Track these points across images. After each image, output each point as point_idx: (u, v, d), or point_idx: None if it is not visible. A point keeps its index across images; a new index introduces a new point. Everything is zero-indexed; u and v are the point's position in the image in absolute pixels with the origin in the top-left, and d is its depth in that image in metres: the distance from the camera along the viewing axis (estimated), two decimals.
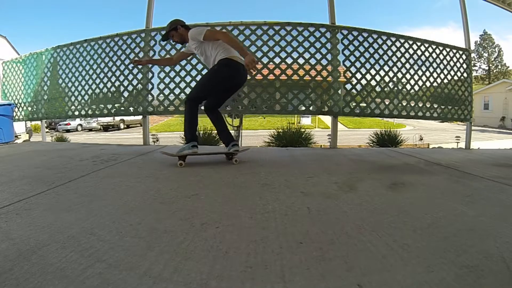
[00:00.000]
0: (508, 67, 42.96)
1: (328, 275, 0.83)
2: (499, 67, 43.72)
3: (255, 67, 2.28)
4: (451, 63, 4.21)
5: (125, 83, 3.99)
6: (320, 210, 1.35)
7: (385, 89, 3.97)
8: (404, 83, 4.05)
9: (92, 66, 4.15)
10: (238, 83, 2.63)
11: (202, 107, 2.65)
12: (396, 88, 4.01)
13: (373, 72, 3.90)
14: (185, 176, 2.03)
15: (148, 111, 3.96)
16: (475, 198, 1.57)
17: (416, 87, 4.08)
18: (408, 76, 4.01)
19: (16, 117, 4.96)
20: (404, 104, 4.08)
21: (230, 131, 2.74)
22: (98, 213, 1.29)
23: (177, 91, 3.85)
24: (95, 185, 1.76)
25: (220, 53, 2.43)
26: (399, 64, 3.97)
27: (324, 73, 3.83)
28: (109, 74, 4.05)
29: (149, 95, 3.95)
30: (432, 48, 4.11)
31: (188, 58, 3.79)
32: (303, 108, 3.88)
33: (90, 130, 22.64)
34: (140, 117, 4.18)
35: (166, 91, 3.86)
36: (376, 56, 3.89)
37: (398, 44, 3.97)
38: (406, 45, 4.00)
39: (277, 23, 3.78)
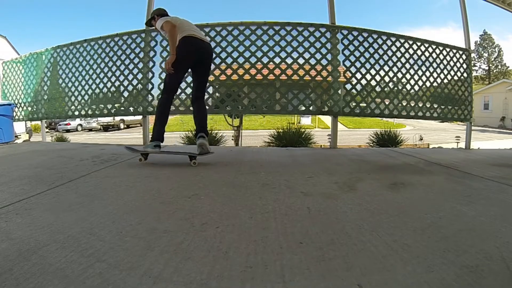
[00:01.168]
0: (508, 67, 42.98)
1: (328, 275, 0.83)
2: (499, 67, 43.72)
3: (168, 69, 2.44)
4: (451, 63, 4.21)
5: (125, 83, 3.98)
6: (320, 210, 1.35)
7: (385, 89, 3.97)
8: (404, 83, 4.04)
9: (92, 66, 4.15)
10: (199, 57, 2.58)
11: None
12: (396, 88, 4.01)
13: (373, 72, 3.89)
14: (185, 176, 2.03)
15: (148, 111, 3.95)
16: (475, 198, 1.57)
17: (416, 87, 4.08)
18: (408, 76, 4.01)
19: (16, 117, 4.96)
20: (404, 104, 4.08)
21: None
22: (98, 213, 1.29)
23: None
24: (95, 185, 1.76)
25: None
26: (399, 64, 3.97)
27: (324, 73, 3.83)
28: (109, 74, 4.04)
29: (149, 95, 3.94)
30: (432, 48, 4.11)
31: None
32: (303, 108, 3.88)
33: (90, 130, 22.63)
34: (140, 117, 4.17)
35: None
36: (376, 56, 3.89)
37: (398, 44, 3.97)
38: (406, 45, 4.00)
39: (277, 23, 3.78)
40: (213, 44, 3.77)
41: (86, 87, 4.19)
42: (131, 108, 4.04)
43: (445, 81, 4.20)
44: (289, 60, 3.76)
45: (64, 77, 4.35)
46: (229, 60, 3.78)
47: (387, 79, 3.96)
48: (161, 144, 2.55)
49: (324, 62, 3.79)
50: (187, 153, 2.56)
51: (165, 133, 2.65)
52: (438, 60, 4.13)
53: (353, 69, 3.85)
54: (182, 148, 3.94)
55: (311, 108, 3.93)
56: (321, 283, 0.79)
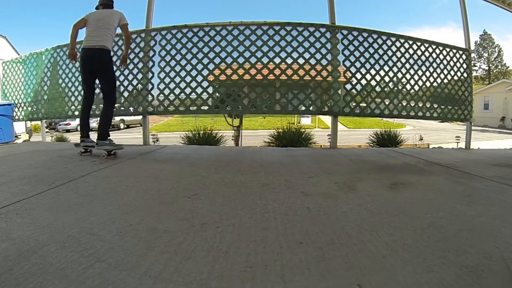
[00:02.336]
0: (508, 67, 42.93)
1: (328, 275, 0.83)
2: (499, 67, 43.69)
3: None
4: (451, 63, 4.21)
5: (125, 83, 3.98)
6: (320, 210, 1.35)
7: (385, 89, 3.97)
8: (404, 83, 4.04)
9: None
10: (90, 67, 2.88)
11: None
12: (396, 88, 4.01)
13: (373, 72, 3.89)
14: (185, 176, 2.03)
15: (148, 111, 3.96)
16: (475, 198, 1.57)
17: (416, 87, 4.07)
18: (408, 76, 4.01)
19: (16, 117, 4.96)
20: (404, 104, 4.07)
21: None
22: (98, 213, 1.29)
23: (177, 91, 3.84)
24: (95, 185, 1.76)
25: (111, 41, 2.91)
26: (399, 64, 3.97)
27: (324, 73, 3.83)
28: None
29: (149, 95, 3.94)
30: (432, 48, 4.11)
31: (188, 58, 3.80)
32: (303, 108, 3.88)
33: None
34: (140, 117, 4.17)
35: (166, 91, 3.86)
36: (376, 56, 3.89)
37: (398, 44, 3.96)
38: (406, 45, 4.00)
39: (277, 23, 3.78)
40: (212, 44, 3.78)
41: None
42: (131, 108, 4.04)
43: (445, 81, 4.20)
44: (289, 60, 3.76)
45: (64, 77, 4.35)
46: (229, 60, 3.78)
47: (387, 79, 3.96)
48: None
49: (324, 62, 3.79)
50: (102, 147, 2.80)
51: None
52: (438, 60, 4.13)
53: (353, 69, 3.84)
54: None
55: (311, 108, 3.93)
56: (321, 283, 0.79)
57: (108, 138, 2.86)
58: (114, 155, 2.79)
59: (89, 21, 2.85)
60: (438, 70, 4.14)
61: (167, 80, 3.85)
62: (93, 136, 2.95)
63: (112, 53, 3.03)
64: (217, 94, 4.03)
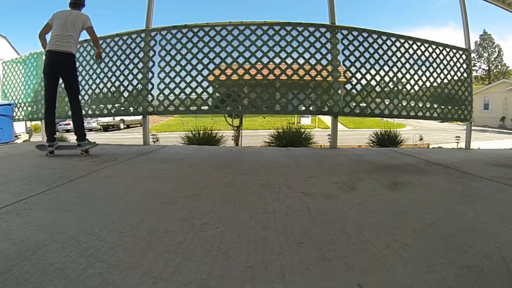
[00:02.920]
0: (508, 67, 42.91)
1: (328, 275, 0.83)
2: (499, 67, 43.67)
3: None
4: (451, 63, 4.21)
5: (125, 83, 3.98)
6: (320, 210, 1.35)
7: (385, 89, 3.97)
8: (404, 83, 4.04)
9: (92, 66, 4.15)
10: (53, 70, 2.92)
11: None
12: (396, 88, 4.01)
13: (373, 72, 3.89)
14: (185, 176, 2.03)
15: (148, 111, 3.96)
16: (475, 198, 1.57)
17: (416, 87, 4.07)
18: (408, 76, 4.01)
19: (16, 117, 4.96)
20: (404, 104, 4.07)
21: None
22: (98, 213, 1.29)
23: (177, 91, 3.84)
24: (95, 185, 1.76)
25: (76, 45, 2.95)
26: (399, 64, 3.97)
27: (324, 73, 3.83)
28: (109, 74, 4.04)
29: (149, 95, 3.94)
30: (432, 48, 4.11)
31: (188, 58, 3.80)
32: (303, 108, 3.88)
33: (90, 130, 22.58)
34: (140, 117, 4.17)
35: (166, 91, 3.86)
36: (376, 56, 3.89)
37: (398, 44, 3.96)
38: (406, 45, 4.00)
39: (277, 23, 3.78)
40: (212, 44, 3.78)
41: (86, 87, 4.19)
42: (131, 108, 4.04)
43: (445, 81, 4.20)
44: (289, 60, 3.76)
45: None
46: (229, 60, 3.78)
47: (387, 79, 3.96)
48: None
49: (324, 62, 3.80)
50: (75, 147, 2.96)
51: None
52: (438, 60, 4.13)
53: (353, 69, 3.84)
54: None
55: (311, 108, 3.93)
56: (321, 283, 0.79)
57: (86, 138, 3.01)
58: (87, 153, 2.96)
59: (54, 24, 2.89)
60: (438, 70, 4.14)
61: (167, 80, 3.85)
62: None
63: (78, 55, 3.17)
64: (217, 94, 4.03)
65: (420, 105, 4.10)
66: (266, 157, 2.94)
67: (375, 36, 3.88)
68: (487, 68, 44.68)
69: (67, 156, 2.89)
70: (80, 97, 4.21)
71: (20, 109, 4.94)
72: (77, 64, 4.22)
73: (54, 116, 3.01)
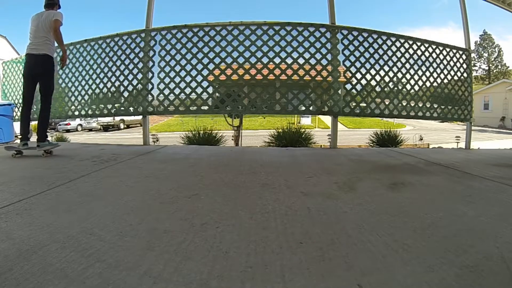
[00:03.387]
0: (508, 67, 42.90)
1: (328, 275, 0.83)
2: (499, 67, 43.66)
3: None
4: (451, 63, 4.21)
5: (125, 83, 3.98)
6: (320, 210, 1.35)
7: (385, 89, 3.97)
8: (404, 83, 4.05)
9: (92, 66, 4.15)
10: (29, 72, 3.02)
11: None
12: (396, 88, 4.01)
13: (373, 72, 3.90)
14: (185, 176, 2.03)
15: (148, 111, 3.96)
16: (475, 198, 1.57)
17: (416, 87, 4.08)
18: (408, 76, 4.01)
19: (16, 117, 4.95)
20: (404, 104, 4.08)
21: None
22: (98, 213, 1.29)
23: (177, 91, 3.85)
24: (95, 185, 1.76)
25: (52, 46, 2.96)
26: (399, 64, 3.97)
27: (324, 73, 3.83)
28: (109, 74, 4.04)
29: (149, 95, 3.94)
30: (432, 48, 4.11)
31: (188, 58, 3.81)
32: (303, 108, 3.88)
33: (90, 130, 22.61)
34: (140, 117, 4.17)
35: (166, 91, 3.86)
36: (376, 56, 3.89)
37: (398, 44, 3.97)
38: (406, 45, 4.00)
39: (277, 23, 3.78)
40: (212, 44, 3.78)
41: (86, 87, 4.19)
42: (131, 108, 4.04)
43: (445, 81, 4.20)
44: (289, 60, 3.76)
45: (64, 77, 4.35)
46: (229, 60, 3.78)
47: (387, 79, 3.96)
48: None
49: (324, 62, 3.80)
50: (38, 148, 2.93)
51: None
52: (438, 60, 4.13)
53: (353, 69, 3.85)
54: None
55: (311, 108, 3.93)
56: (321, 283, 0.79)
57: (47, 139, 3.05)
58: (50, 154, 2.95)
59: (30, 27, 2.93)
60: (438, 70, 4.14)
61: (167, 80, 3.85)
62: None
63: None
64: (217, 94, 4.03)
65: (420, 105, 4.10)
66: (266, 157, 2.94)
67: (375, 36, 3.88)
68: (487, 68, 44.69)
69: (67, 156, 2.89)
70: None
71: (20, 109, 4.93)
72: (77, 64, 4.24)
73: (29, 116, 3.13)
